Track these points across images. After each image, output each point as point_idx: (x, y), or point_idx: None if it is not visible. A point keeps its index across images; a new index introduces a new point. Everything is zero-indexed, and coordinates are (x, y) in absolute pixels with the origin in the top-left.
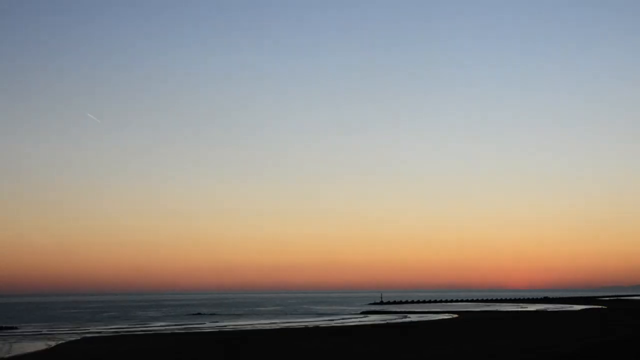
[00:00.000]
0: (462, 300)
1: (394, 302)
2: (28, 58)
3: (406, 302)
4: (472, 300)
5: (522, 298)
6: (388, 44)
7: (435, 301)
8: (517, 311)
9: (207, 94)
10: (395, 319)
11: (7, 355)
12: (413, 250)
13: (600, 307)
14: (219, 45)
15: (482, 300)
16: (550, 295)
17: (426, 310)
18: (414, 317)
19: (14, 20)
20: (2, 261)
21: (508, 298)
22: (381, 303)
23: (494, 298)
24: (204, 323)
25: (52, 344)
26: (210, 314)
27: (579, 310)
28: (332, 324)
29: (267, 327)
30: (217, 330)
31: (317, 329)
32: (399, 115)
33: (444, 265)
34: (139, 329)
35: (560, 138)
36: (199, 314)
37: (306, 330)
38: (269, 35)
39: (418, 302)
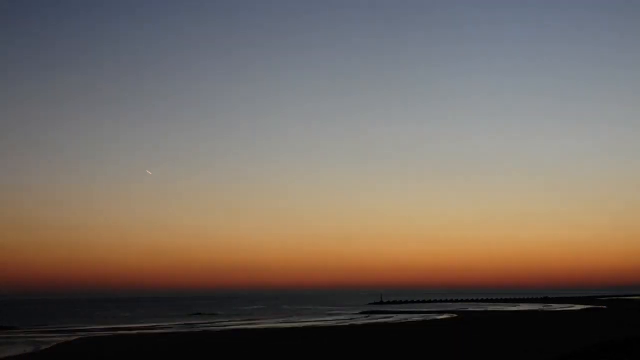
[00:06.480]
0: (462, 300)
1: (394, 302)
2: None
3: (406, 302)
4: (472, 300)
5: (522, 298)
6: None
7: (436, 301)
8: (517, 311)
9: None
10: (394, 319)
11: (5, 356)
12: (413, 250)
13: (600, 307)
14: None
15: (482, 300)
16: (551, 295)
17: (426, 310)
18: (414, 317)
19: None
20: (2, 260)
21: (508, 298)
22: (381, 303)
23: (494, 298)
24: (212, 322)
25: (51, 344)
26: (211, 314)
27: (579, 310)
28: (332, 324)
29: (268, 327)
30: (222, 329)
31: (317, 329)
32: (396, 107)
33: (443, 265)
34: (139, 328)
35: (560, 137)
36: (199, 313)
37: (307, 330)
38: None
39: (418, 302)
